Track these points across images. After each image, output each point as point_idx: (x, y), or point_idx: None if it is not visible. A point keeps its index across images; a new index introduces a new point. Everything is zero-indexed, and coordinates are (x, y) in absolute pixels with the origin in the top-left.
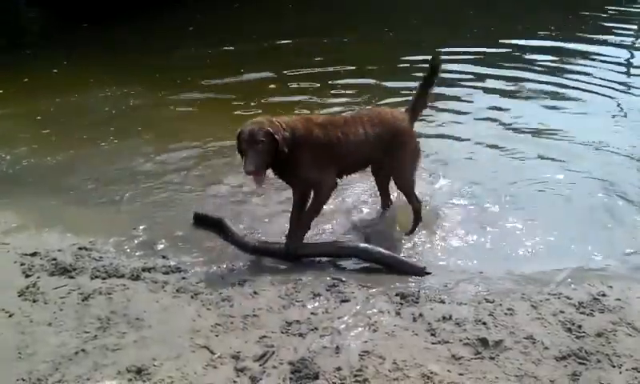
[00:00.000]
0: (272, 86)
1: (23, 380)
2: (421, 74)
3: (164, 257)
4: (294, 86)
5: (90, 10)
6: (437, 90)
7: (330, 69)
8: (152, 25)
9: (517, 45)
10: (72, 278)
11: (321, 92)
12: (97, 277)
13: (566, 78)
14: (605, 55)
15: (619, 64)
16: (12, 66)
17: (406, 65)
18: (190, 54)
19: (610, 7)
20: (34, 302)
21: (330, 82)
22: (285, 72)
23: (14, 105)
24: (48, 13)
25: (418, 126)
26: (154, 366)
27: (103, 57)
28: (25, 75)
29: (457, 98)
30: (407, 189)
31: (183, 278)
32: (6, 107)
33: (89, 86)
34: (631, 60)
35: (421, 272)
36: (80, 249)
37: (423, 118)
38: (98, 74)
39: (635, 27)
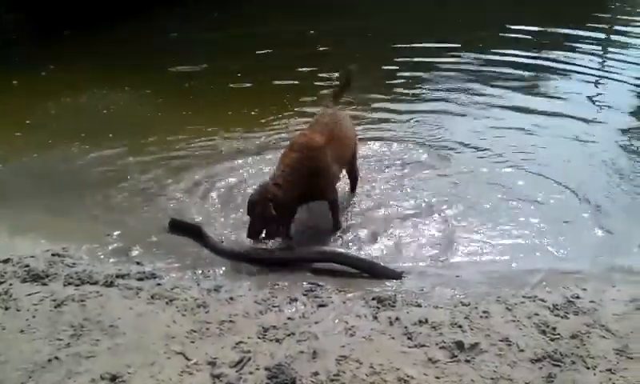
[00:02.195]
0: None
1: None
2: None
3: (138, 263)
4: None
5: (72, 17)
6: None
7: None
8: (141, 29)
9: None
10: (45, 284)
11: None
12: (70, 283)
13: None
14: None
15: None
16: (13, 70)
17: (390, 53)
18: (178, 59)
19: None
20: (6, 309)
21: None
22: (279, 70)
23: (2, 108)
24: (28, 19)
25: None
26: (129, 373)
27: (91, 61)
28: (13, 77)
29: (437, 88)
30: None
31: (158, 285)
32: (3, 111)
33: (80, 90)
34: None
35: (398, 276)
36: (53, 255)
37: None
38: (88, 78)
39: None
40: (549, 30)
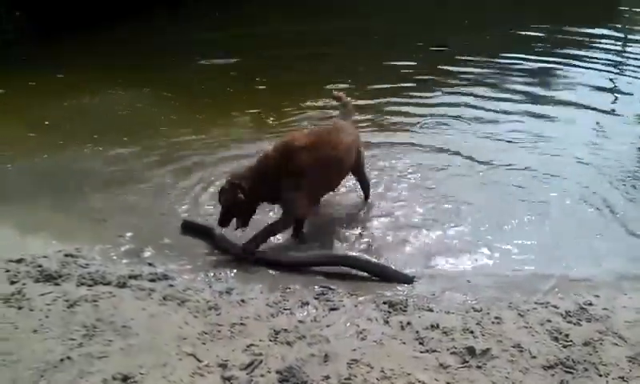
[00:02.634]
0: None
1: None
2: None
3: (151, 264)
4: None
5: (74, 18)
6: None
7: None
8: (146, 29)
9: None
10: (58, 285)
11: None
12: (83, 284)
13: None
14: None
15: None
16: (13, 70)
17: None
18: (187, 59)
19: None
20: (19, 308)
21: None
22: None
23: (17, 107)
24: (30, 21)
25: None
26: (141, 373)
27: (103, 62)
28: (30, 79)
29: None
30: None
31: (170, 286)
32: (10, 111)
33: (95, 91)
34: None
35: (409, 281)
36: (66, 256)
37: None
38: (102, 79)
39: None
40: (552, 29)
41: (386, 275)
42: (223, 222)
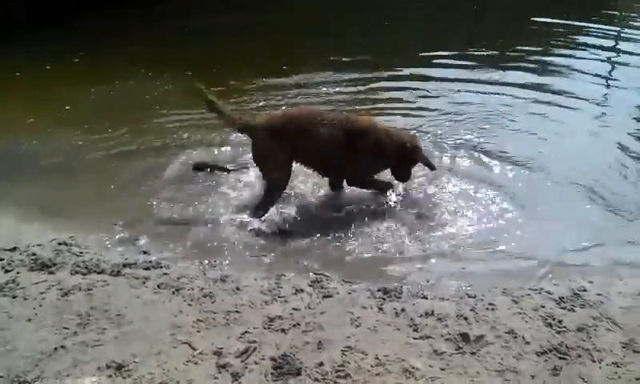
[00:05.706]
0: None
1: (1, 376)
2: None
3: (145, 252)
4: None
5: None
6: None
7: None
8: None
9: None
10: (52, 273)
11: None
12: (77, 272)
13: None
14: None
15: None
16: (33, 53)
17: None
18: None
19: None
20: (14, 297)
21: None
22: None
23: (28, 90)
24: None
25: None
26: (135, 362)
27: (122, 48)
28: (47, 63)
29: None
30: None
31: (164, 274)
32: (19, 94)
33: (112, 77)
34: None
35: None
36: (60, 244)
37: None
38: (122, 66)
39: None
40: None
41: None
42: None
